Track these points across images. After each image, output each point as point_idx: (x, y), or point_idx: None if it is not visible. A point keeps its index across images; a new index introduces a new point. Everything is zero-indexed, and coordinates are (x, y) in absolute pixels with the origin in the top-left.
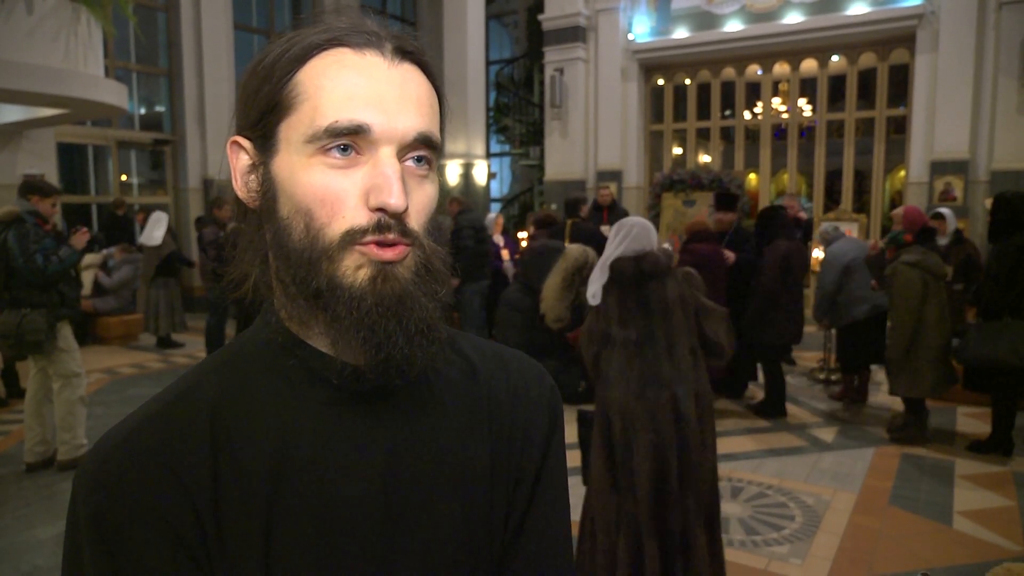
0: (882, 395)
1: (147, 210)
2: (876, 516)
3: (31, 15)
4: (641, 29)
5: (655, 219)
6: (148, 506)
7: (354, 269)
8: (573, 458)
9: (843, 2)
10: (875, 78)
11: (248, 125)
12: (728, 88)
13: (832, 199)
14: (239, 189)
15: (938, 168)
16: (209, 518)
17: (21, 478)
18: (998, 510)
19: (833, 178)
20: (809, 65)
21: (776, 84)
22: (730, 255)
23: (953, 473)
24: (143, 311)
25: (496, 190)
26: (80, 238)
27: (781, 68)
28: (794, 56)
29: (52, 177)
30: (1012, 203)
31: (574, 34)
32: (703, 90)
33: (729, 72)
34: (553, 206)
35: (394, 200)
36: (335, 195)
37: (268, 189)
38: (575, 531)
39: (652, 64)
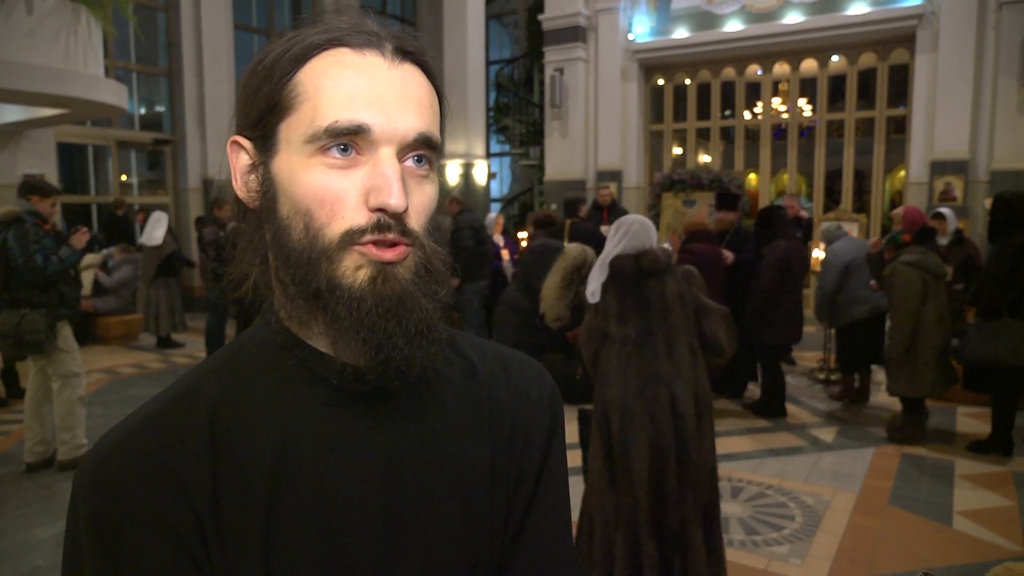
0: (882, 395)
1: (147, 210)
2: (876, 516)
3: (31, 15)
4: (641, 29)
5: (655, 219)
6: (148, 506)
7: (354, 270)
8: (574, 457)
9: (843, 2)
10: (875, 78)
11: (248, 125)
12: (728, 88)
13: (832, 199)
14: (239, 189)
15: (938, 168)
16: (209, 518)
17: (21, 478)
18: (998, 510)
19: (833, 178)
20: (809, 65)
21: (776, 84)
22: (729, 255)
23: (953, 473)
24: (143, 311)
25: (496, 190)
26: (80, 238)
27: (781, 68)
28: (794, 56)
29: (52, 177)
30: (1012, 203)
31: (574, 34)
32: (703, 90)
33: (729, 72)
34: (553, 206)
35: (394, 200)
36: (335, 195)
37: (268, 189)
38: (573, 529)
39: (652, 64)
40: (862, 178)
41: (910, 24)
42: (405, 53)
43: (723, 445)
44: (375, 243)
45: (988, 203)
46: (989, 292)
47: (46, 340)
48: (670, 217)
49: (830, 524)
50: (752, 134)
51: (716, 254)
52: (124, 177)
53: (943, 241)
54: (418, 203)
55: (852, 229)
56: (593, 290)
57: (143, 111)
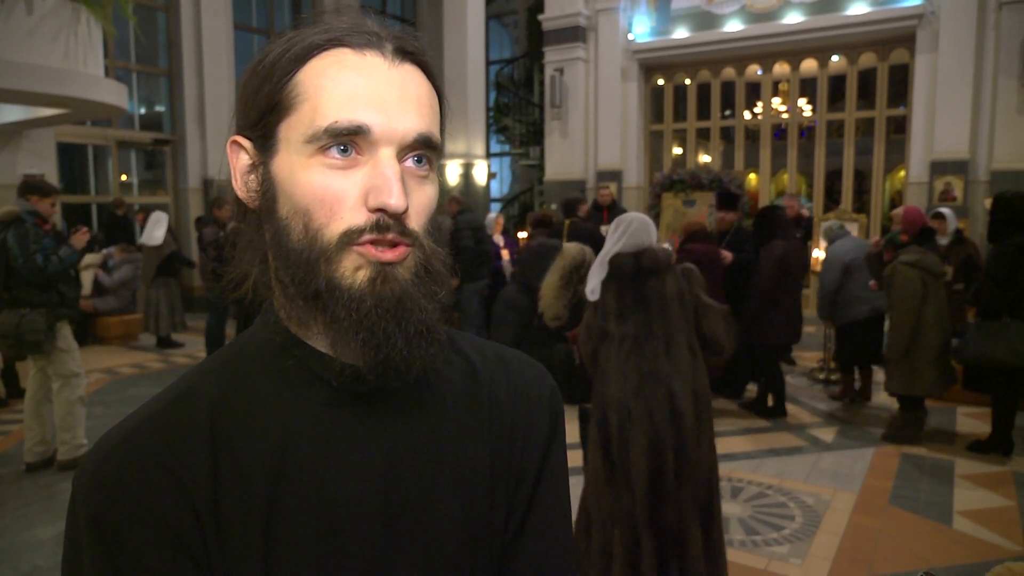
0: (883, 395)
1: (147, 210)
2: (876, 516)
3: (31, 15)
4: (641, 29)
5: (655, 219)
6: (148, 507)
7: (353, 270)
8: (574, 457)
9: (843, 2)
10: (875, 78)
11: (248, 125)
12: (728, 88)
13: (832, 199)
14: (239, 189)
15: (938, 168)
16: (209, 518)
17: (21, 478)
18: (998, 510)
19: (833, 178)
20: (809, 65)
21: (776, 84)
22: (727, 255)
23: (953, 473)
24: (143, 311)
25: (496, 190)
26: (80, 238)
27: (781, 68)
28: (794, 56)
29: (52, 177)
30: (1011, 203)
31: (574, 34)
32: (703, 90)
33: (729, 72)
34: (553, 206)
35: (394, 200)
36: (334, 195)
37: (268, 189)
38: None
39: (652, 64)
40: (862, 178)
41: (910, 24)
42: (405, 53)
43: (723, 445)
44: (374, 243)
45: (988, 203)
46: (989, 292)
47: (46, 340)
48: (670, 217)
49: (830, 524)
50: (752, 134)
51: (714, 254)
52: (124, 177)
53: (943, 241)
54: (418, 203)
55: (852, 229)
56: (592, 288)
57: (143, 111)
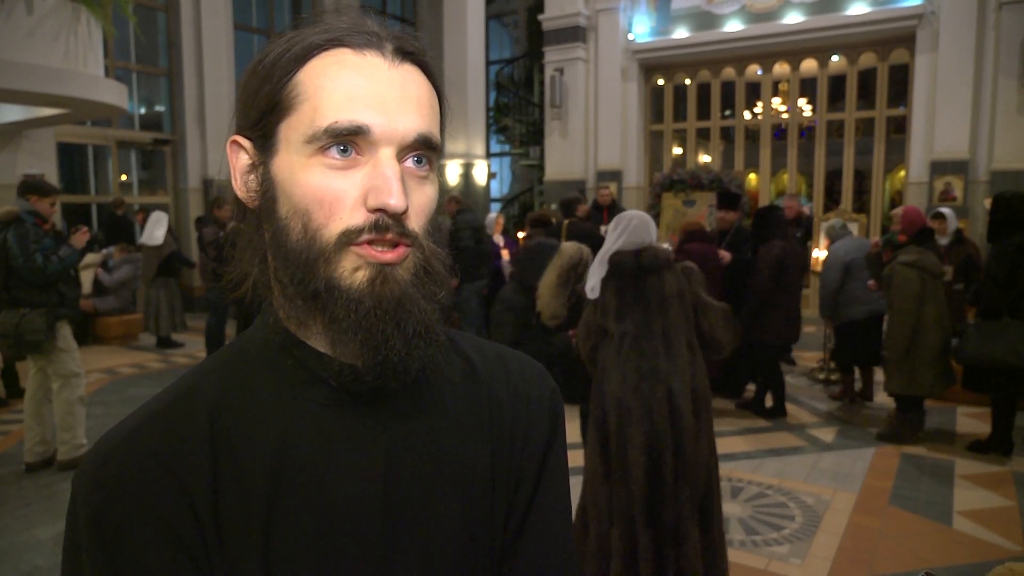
0: (883, 395)
1: (147, 210)
2: (876, 516)
3: (31, 15)
4: (641, 29)
5: (655, 219)
6: (148, 507)
7: (351, 271)
8: (575, 457)
9: (843, 2)
10: (875, 78)
11: (248, 125)
12: (728, 88)
13: (832, 199)
14: (238, 189)
15: (938, 168)
16: (209, 519)
17: (21, 478)
18: (998, 510)
19: (833, 178)
20: (809, 65)
21: (776, 84)
22: (725, 255)
23: (953, 473)
24: (143, 311)
25: (496, 190)
26: (80, 238)
27: (781, 68)
28: (794, 56)
29: (52, 177)
30: (1011, 203)
31: (574, 34)
32: (703, 90)
33: (729, 72)
34: (553, 206)
35: (394, 200)
36: (334, 195)
37: (267, 189)
38: None
39: (652, 64)
40: (862, 178)
41: (910, 24)
42: (405, 53)
43: (723, 445)
44: (373, 243)
45: (988, 203)
46: (988, 292)
47: (45, 340)
48: (670, 217)
49: (830, 524)
50: (752, 134)
51: (712, 254)
52: (124, 177)
53: (943, 241)
54: (418, 204)
55: (852, 229)
56: (592, 286)
57: (143, 111)
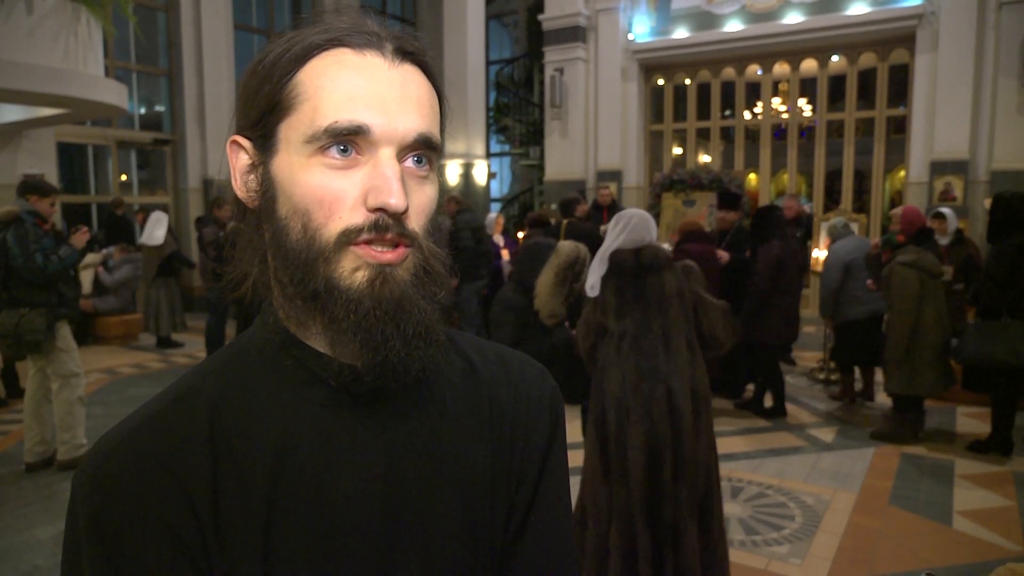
0: (883, 395)
1: (146, 210)
2: (876, 516)
3: (31, 15)
4: (641, 29)
5: (655, 219)
6: (147, 507)
7: (351, 271)
8: (575, 457)
9: (843, 2)
10: (875, 78)
11: (248, 125)
12: (728, 88)
13: (832, 199)
14: (238, 189)
15: (938, 168)
16: (208, 519)
17: (21, 478)
18: (998, 510)
19: (833, 178)
20: (809, 65)
21: (776, 84)
22: (723, 255)
23: (953, 473)
24: (143, 311)
25: (496, 190)
26: (80, 238)
27: (781, 68)
28: (794, 56)
29: (52, 177)
30: (1010, 203)
31: (574, 34)
32: (703, 90)
33: (729, 72)
34: (552, 206)
35: (394, 200)
36: (334, 195)
37: (267, 189)
38: None
39: (652, 64)
40: (862, 178)
41: (910, 24)
42: (405, 53)
43: (723, 445)
44: (372, 243)
45: (988, 203)
46: (988, 292)
47: (45, 340)
48: (670, 217)
49: (830, 524)
50: (752, 134)
51: (710, 254)
52: (124, 177)
53: (944, 241)
54: (418, 204)
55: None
56: (592, 284)
57: (143, 111)
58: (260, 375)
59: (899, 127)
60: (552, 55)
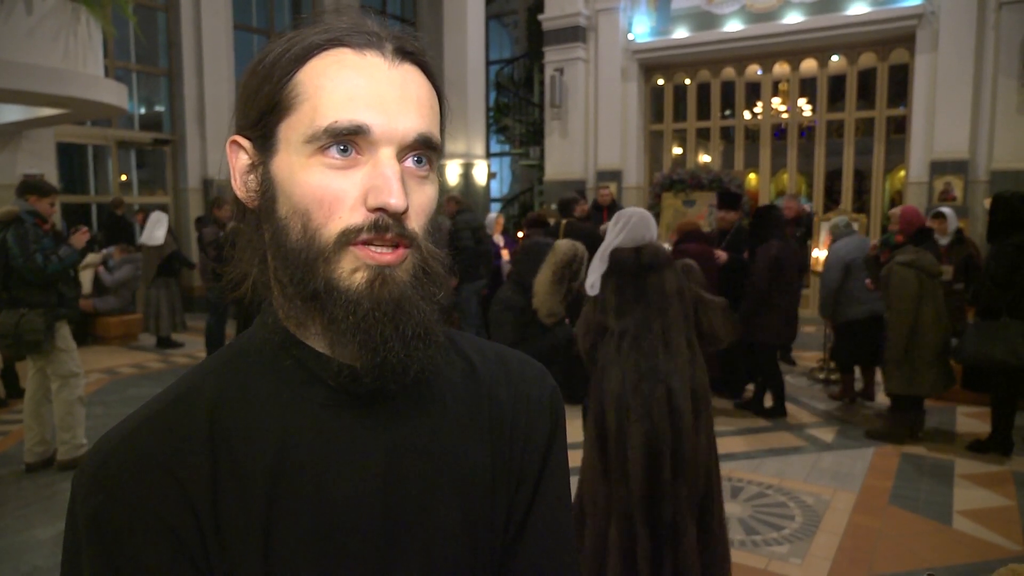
0: (883, 395)
1: (146, 210)
2: (876, 516)
3: (31, 15)
4: (641, 29)
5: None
6: (147, 508)
7: (350, 272)
8: (575, 457)
9: (843, 2)
10: (875, 78)
11: (248, 125)
12: (728, 88)
13: (832, 199)
14: (238, 189)
15: (938, 168)
16: (208, 519)
17: (21, 478)
18: (998, 510)
19: (833, 178)
20: (809, 65)
21: (776, 84)
22: (722, 255)
23: (953, 473)
24: (143, 311)
25: (496, 190)
26: (80, 238)
27: (781, 68)
28: (794, 56)
29: (52, 177)
30: (1010, 203)
31: (574, 34)
32: (703, 90)
33: (729, 72)
34: (552, 206)
35: (394, 200)
36: (333, 195)
37: (267, 189)
38: None
39: (652, 64)
40: (862, 178)
41: (910, 24)
42: (405, 53)
43: (723, 445)
44: (371, 243)
45: (988, 203)
46: (988, 292)
47: (45, 340)
48: (670, 217)
49: (830, 524)
50: (752, 134)
51: (708, 254)
52: (124, 177)
53: (944, 241)
54: (418, 204)
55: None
56: (592, 282)
57: (143, 111)
58: (260, 375)
59: (899, 127)
60: (552, 55)
